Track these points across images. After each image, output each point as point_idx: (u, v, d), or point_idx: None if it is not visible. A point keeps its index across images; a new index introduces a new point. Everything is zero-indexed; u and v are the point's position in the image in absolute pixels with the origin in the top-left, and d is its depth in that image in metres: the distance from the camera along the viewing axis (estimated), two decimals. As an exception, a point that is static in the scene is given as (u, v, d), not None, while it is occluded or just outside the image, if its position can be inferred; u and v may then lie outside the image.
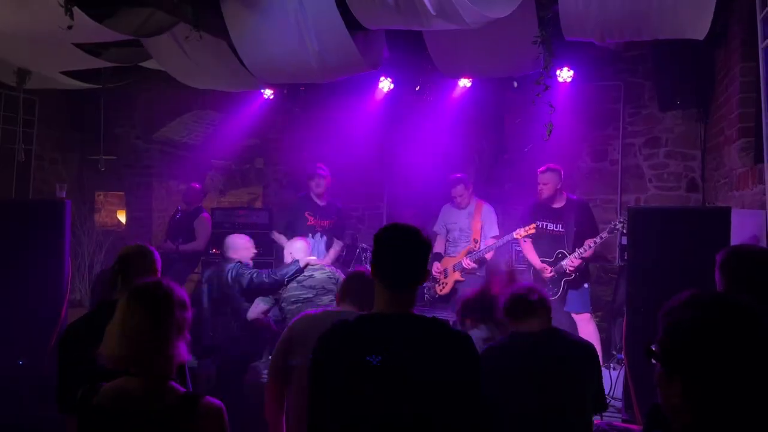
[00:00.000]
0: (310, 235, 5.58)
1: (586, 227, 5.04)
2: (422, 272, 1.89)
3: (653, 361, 1.23)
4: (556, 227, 5.08)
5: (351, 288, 2.86)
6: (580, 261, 4.90)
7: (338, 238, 5.83)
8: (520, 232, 4.98)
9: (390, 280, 1.85)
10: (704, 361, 1.15)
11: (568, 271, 4.90)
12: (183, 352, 1.85)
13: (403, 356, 1.76)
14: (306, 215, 5.69)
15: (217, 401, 1.80)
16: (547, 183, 5.04)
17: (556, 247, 5.02)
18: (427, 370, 1.75)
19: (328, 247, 5.72)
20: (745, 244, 2.81)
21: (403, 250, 1.87)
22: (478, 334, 2.89)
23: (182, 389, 1.81)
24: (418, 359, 1.75)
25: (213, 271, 4.70)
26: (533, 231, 4.94)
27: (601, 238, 4.88)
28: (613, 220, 5.05)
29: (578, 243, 4.96)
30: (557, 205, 5.13)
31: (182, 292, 1.92)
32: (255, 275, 4.45)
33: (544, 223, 5.09)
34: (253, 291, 4.48)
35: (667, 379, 1.20)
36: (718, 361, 1.14)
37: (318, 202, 5.75)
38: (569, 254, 4.93)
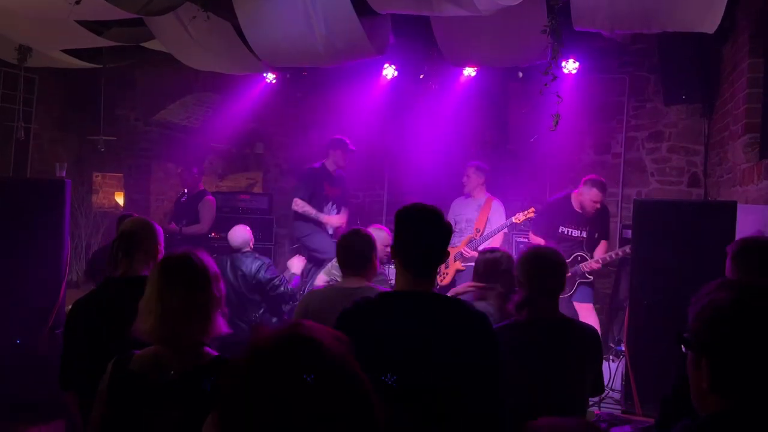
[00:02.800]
0: (327, 204, 5.82)
1: (603, 230, 5.10)
2: (442, 252, 1.91)
3: (683, 349, 1.22)
4: (580, 233, 5.06)
5: (347, 252, 2.85)
6: (599, 266, 4.94)
7: (345, 206, 6.04)
8: (519, 217, 4.96)
9: (413, 261, 1.87)
10: (737, 344, 1.14)
11: (585, 274, 4.92)
12: (221, 324, 1.87)
13: (424, 334, 1.78)
14: (325, 185, 5.83)
15: None
16: (597, 202, 4.94)
17: (575, 250, 5.02)
18: (447, 347, 1.77)
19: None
20: (756, 236, 2.83)
21: (427, 232, 1.89)
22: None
23: (214, 353, 1.83)
24: (438, 337, 1.78)
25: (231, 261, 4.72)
26: (532, 215, 4.93)
27: (617, 254, 4.93)
28: (615, 206, 5.02)
29: (594, 244, 5.01)
30: (581, 211, 5.06)
31: (214, 265, 1.92)
32: (277, 280, 4.61)
33: (569, 230, 5.06)
34: (265, 291, 4.60)
35: (696, 364, 1.19)
36: (752, 344, 1.13)
37: (332, 172, 5.91)
38: (588, 257, 4.94)
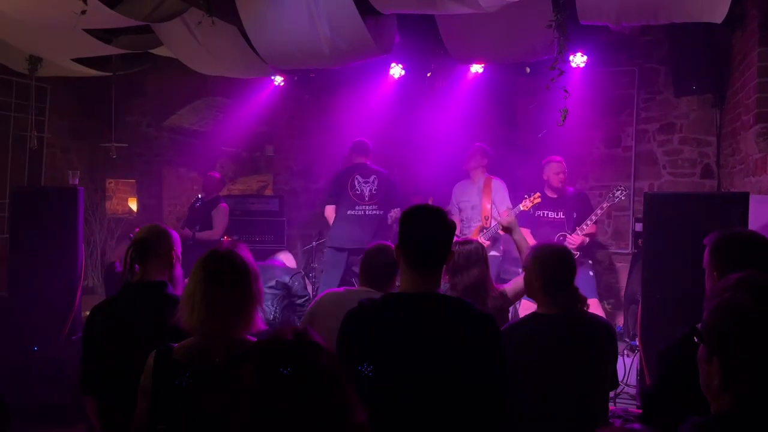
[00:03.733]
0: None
1: (586, 213, 5.05)
2: (447, 253, 1.92)
3: (696, 340, 1.21)
4: (558, 215, 5.11)
5: (370, 268, 2.91)
6: (582, 238, 4.89)
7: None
8: (526, 204, 4.94)
9: (416, 260, 1.88)
10: (751, 346, 1.13)
11: (573, 249, 4.88)
12: (259, 321, 1.93)
13: (428, 335, 1.78)
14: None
15: None
16: (559, 173, 5.12)
17: (557, 231, 5.02)
18: (451, 348, 1.76)
19: None
20: (734, 227, 2.77)
21: (430, 231, 1.90)
22: None
23: (255, 339, 1.87)
24: (441, 338, 1.78)
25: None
26: (539, 200, 4.91)
27: (602, 208, 4.90)
28: (613, 189, 4.96)
29: (576, 226, 5.00)
30: (556, 194, 5.17)
31: (254, 263, 1.99)
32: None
33: (545, 212, 5.12)
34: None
35: (708, 360, 1.18)
36: (766, 347, 1.12)
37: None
38: (569, 235, 4.93)
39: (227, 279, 1.89)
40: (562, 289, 2.43)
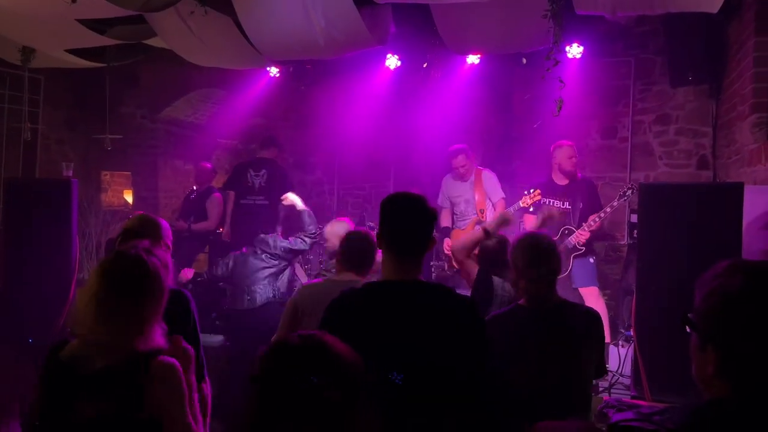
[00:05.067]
0: None
1: (593, 205, 5.01)
2: (428, 240, 1.92)
3: (687, 329, 1.20)
4: (563, 204, 5.05)
5: (349, 253, 2.95)
6: (588, 234, 4.87)
7: None
8: (526, 200, 4.92)
9: (397, 247, 1.88)
10: (746, 331, 1.11)
11: (576, 246, 4.88)
12: (158, 337, 1.82)
13: (410, 322, 1.79)
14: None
15: (171, 360, 1.78)
16: (572, 156, 5.06)
17: (563, 223, 4.99)
18: (433, 335, 1.78)
19: None
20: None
21: (410, 217, 1.90)
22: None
23: (142, 349, 1.78)
24: (424, 325, 1.79)
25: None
26: (539, 197, 4.89)
27: (612, 207, 4.85)
28: (622, 188, 4.98)
29: (584, 220, 4.94)
30: (564, 182, 5.10)
31: (164, 275, 1.87)
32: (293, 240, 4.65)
33: (551, 201, 5.07)
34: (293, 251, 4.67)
35: (701, 347, 1.17)
36: (761, 332, 1.10)
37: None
38: (576, 230, 4.90)
39: (125, 284, 1.78)
40: (547, 283, 2.44)
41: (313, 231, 4.58)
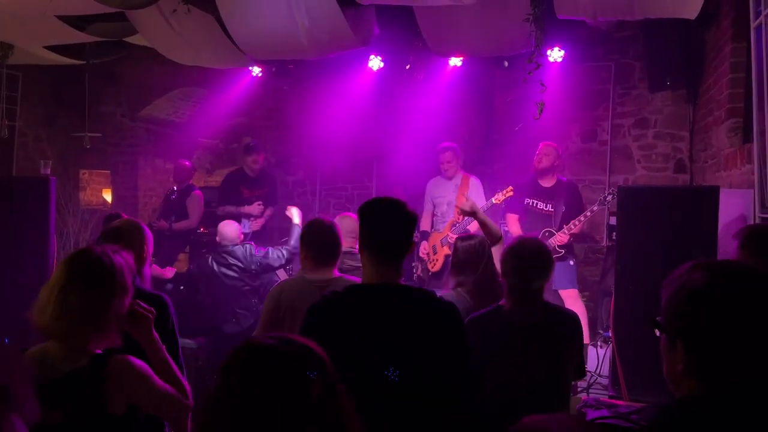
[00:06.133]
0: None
1: (575, 208, 5.06)
2: (408, 243, 1.93)
3: (657, 333, 1.22)
4: (546, 206, 5.10)
5: (310, 242, 2.90)
6: (568, 237, 4.92)
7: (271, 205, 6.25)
8: (498, 197, 4.94)
9: (377, 251, 1.89)
10: (712, 326, 1.13)
11: (556, 248, 4.92)
12: (114, 337, 1.81)
13: (390, 326, 1.79)
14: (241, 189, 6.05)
15: (128, 357, 1.78)
16: (548, 154, 5.10)
17: (543, 225, 5.03)
18: (414, 339, 1.78)
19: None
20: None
21: (389, 221, 1.91)
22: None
23: (99, 351, 1.77)
24: (405, 328, 1.79)
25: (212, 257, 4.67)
26: (511, 194, 4.91)
27: (592, 211, 4.90)
28: (602, 192, 5.05)
29: (565, 223, 4.99)
30: (548, 184, 5.15)
31: (128, 273, 1.86)
32: (271, 252, 4.55)
33: (534, 201, 5.11)
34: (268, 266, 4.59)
35: (671, 346, 1.18)
36: (728, 326, 1.12)
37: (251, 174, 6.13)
38: (556, 232, 4.95)
39: (86, 281, 1.76)
40: (536, 292, 2.45)
41: (297, 248, 4.55)
